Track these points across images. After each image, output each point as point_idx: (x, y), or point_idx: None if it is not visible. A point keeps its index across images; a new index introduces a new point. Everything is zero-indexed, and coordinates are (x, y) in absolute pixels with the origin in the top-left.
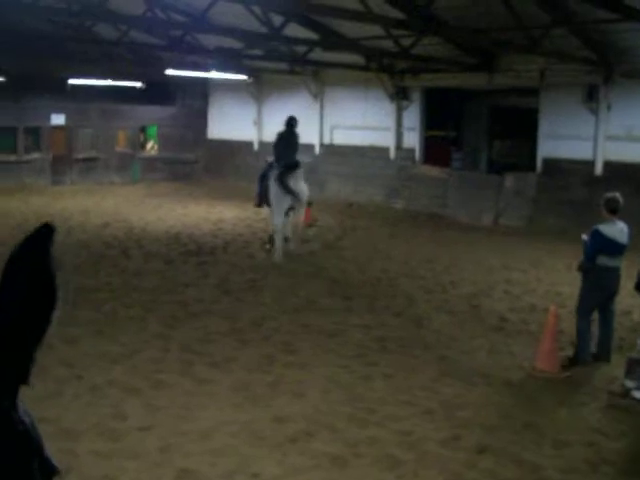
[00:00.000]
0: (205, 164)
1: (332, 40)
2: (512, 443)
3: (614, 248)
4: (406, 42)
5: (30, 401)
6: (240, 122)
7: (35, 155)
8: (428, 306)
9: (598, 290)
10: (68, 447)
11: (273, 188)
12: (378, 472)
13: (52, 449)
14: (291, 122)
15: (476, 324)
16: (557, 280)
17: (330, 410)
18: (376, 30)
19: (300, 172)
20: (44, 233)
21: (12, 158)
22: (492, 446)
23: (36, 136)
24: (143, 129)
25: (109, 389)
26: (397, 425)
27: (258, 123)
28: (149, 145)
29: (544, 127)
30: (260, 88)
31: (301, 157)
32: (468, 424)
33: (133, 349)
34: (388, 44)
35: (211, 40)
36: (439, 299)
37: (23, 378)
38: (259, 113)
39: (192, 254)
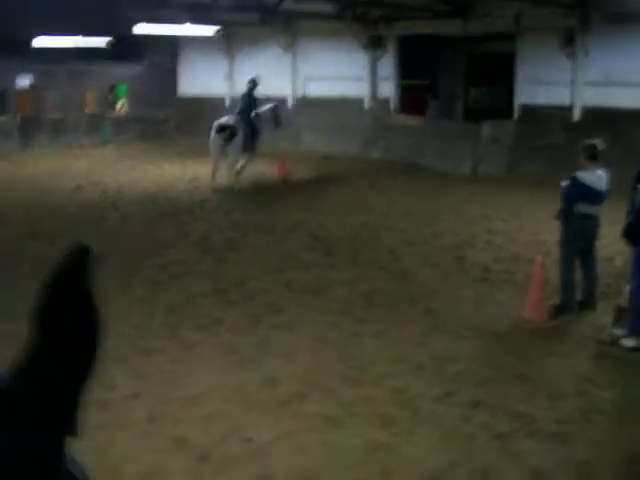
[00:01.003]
0: (177, 122)
1: None
2: (505, 396)
3: (592, 195)
4: None
5: None
6: (211, 78)
7: (1, 118)
8: (411, 259)
9: (577, 237)
10: None
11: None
12: (373, 431)
13: None
14: (249, 82)
15: (461, 275)
16: (539, 229)
17: (321, 370)
18: None
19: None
20: (79, 257)
21: None
22: (486, 400)
23: (2, 99)
24: (112, 88)
25: None
26: (390, 383)
27: (229, 78)
28: (119, 105)
29: (521, 73)
30: (231, 43)
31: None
32: (460, 378)
33: (116, 315)
34: None
35: None
36: (422, 251)
37: (69, 427)
38: (230, 68)
39: (169, 214)
